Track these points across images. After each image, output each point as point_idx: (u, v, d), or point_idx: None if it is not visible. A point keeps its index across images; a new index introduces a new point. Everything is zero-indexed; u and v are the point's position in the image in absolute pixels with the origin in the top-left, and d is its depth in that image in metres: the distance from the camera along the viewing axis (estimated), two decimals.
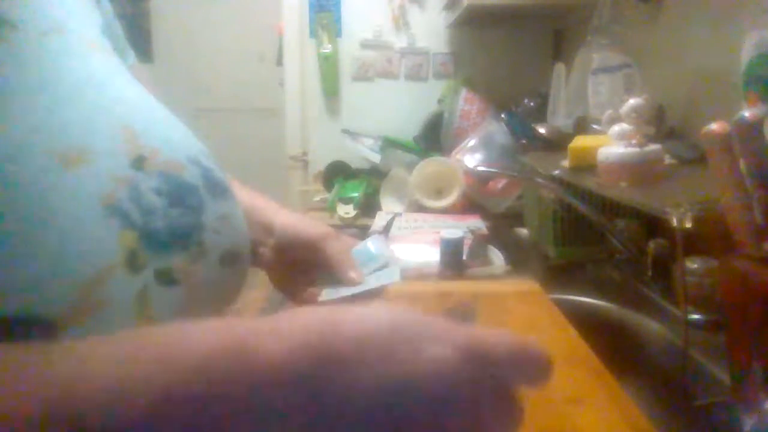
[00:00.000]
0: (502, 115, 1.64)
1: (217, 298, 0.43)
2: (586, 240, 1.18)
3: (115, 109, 0.38)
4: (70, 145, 0.33)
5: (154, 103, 0.44)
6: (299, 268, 0.58)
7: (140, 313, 0.34)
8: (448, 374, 0.24)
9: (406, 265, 1.05)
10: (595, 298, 0.99)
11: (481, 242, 1.15)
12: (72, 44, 0.38)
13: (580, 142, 1.05)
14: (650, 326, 0.89)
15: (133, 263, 0.34)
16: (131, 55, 0.54)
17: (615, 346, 0.79)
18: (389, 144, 1.86)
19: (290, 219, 0.58)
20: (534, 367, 0.28)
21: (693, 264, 0.82)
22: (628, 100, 0.86)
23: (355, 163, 1.90)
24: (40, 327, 0.29)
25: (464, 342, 0.26)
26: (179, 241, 0.38)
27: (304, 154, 2.14)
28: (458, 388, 0.25)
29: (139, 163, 0.37)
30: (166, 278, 0.36)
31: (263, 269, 0.59)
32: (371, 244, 0.58)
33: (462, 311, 0.63)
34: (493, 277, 1.04)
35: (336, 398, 0.23)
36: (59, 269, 0.30)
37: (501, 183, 1.55)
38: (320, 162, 1.98)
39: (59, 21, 0.38)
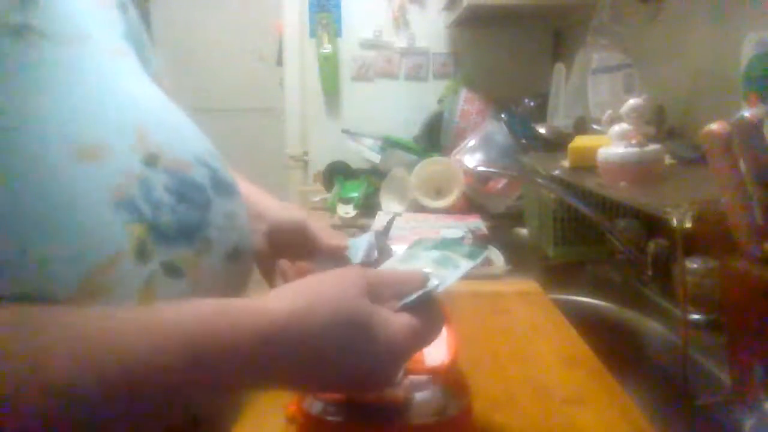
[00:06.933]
0: (502, 115, 1.64)
1: (222, 292, 0.45)
2: (586, 240, 1.18)
3: (130, 110, 0.41)
4: (87, 142, 0.36)
5: (168, 105, 0.47)
6: (286, 252, 0.61)
7: (145, 301, 0.37)
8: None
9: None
10: (595, 298, 0.99)
11: (481, 242, 1.14)
12: (94, 50, 0.41)
13: (580, 142, 1.04)
14: (650, 326, 0.89)
15: (141, 253, 0.37)
16: (154, 59, 0.57)
17: (615, 346, 0.79)
18: (389, 144, 1.86)
19: (278, 206, 0.63)
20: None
21: (693, 264, 0.81)
22: (628, 100, 0.86)
23: (355, 163, 1.90)
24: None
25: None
26: (186, 235, 0.41)
27: (304, 154, 2.14)
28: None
29: (151, 161, 0.40)
30: (172, 269, 0.39)
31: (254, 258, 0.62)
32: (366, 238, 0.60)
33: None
34: (493, 277, 1.04)
35: (313, 343, 0.34)
36: (69, 254, 0.33)
37: (501, 183, 1.54)
38: (320, 162, 1.98)
39: (84, 29, 0.41)
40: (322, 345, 0.34)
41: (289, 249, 0.61)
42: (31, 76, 0.35)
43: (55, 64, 0.37)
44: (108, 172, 0.37)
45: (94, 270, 0.34)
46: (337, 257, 0.59)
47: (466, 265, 0.45)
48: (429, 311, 0.41)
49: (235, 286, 0.49)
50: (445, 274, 0.44)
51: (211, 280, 0.43)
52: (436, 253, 0.48)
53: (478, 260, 0.46)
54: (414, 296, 0.40)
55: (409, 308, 0.40)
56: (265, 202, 0.63)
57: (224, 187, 0.46)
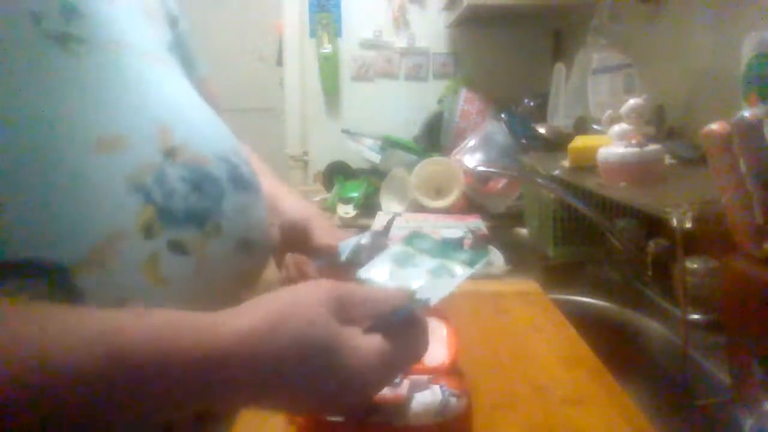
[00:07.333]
0: (502, 115, 1.64)
1: (232, 278, 0.48)
2: (586, 240, 1.18)
3: (156, 108, 0.45)
4: (109, 134, 0.40)
5: (200, 106, 0.52)
6: (294, 247, 0.64)
7: (150, 273, 0.40)
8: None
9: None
10: (595, 298, 0.99)
11: (481, 242, 1.14)
12: (130, 55, 0.46)
13: (580, 142, 1.05)
14: (650, 326, 0.89)
15: (147, 231, 0.40)
16: (201, 68, 0.64)
17: (615, 346, 0.79)
18: (389, 144, 1.86)
19: (293, 202, 0.67)
20: None
21: (693, 264, 0.82)
22: (628, 100, 0.86)
23: (355, 163, 1.90)
24: (57, 271, 0.36)
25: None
26: (195, 220, 0.44)
27: (304, 154, 2.14)
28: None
29: (169, 154, 0.44)
30: (177, 248, 0.42)
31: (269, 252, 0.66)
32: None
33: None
34: (493, 277, 1.04)
35: (273, 364, 0.33)
36: (79, 226, 0.37)
37: (501, 183, 1.55)
38: (320, 162, 1.99)
39: (123, 37, 0.46)
40: (280, 367, 0.33)
41: (296, 244, 0.64)
42: (67, 76, 0.40)
43: (90, 66, 0.42)
44: (124, 162, 0.41)
45: (101, 242, 0.38)
46: (328, 255, 0.61)
47: (462, 273, 0.44)
48: (408, 333, 0.39)
49: (246, 275, 0.51)
50: (438, 285, 0.42)
51: (218, 265, 0.46)
52: (432, 263, 0.46)
53: (476, 267, 0.44)
54: (387, 316, 0.37)
55: (384, 330, 0.37)
56: (284, 198, 0.67)
57: (242, 183, 0.50)
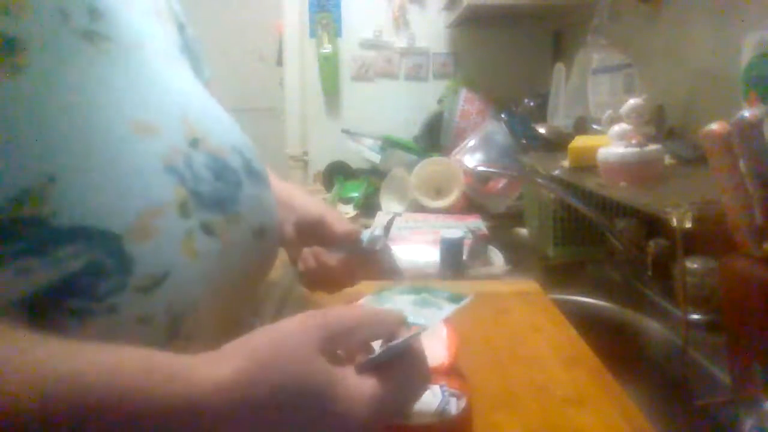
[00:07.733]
0: (502, 115, 1.64)
1: (250, 264, 0.52)
2: (586, 240, 1.18)
3: (178, 101, 0.48)
4: (142, 121, 0.44)
5: (213, 103, 0.56)
6: (310, 240, 0.68)
7: (187, 247, 0.43)
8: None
9: (406, 266, 1.05)
10: (595, 298, 0.99)
11: (481, 242, 1.15)
12: (150, 54, 0.49)
13: (580, 142, 1.05)
14: (650, 326, 0.89)
15: (183, 210, 0.43)
16: (207, 71, 0.68)
17: (615, 346, 0.79)
18: (389, 144, 1.86)
19: (307, 200, 0.71)
20: None
21: (693, 264, 0.82)
22: (628, 100, 0.86)
23: (355, 163, 1.91)
24: (108, 237, 0.38)
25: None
26: (219, 206, 0.47)
27: (304, 154, 2.14)
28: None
29: (194, 143, 0.47)
30: (208, 229, 0.45)
31: (285, 246, 0.69)
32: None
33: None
34: (493, 277, 1.04)
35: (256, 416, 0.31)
36: (123, 199, 0.40)
37: (501, 183, 1.55)
38: (320, 162, 1.99)
39: (142, 37, 0.49)
40: (267, 418, 0.31)
41: (312, 238, 0.67)
42: (97, 70, 0.43)
43: (116, 61, 0.45)
44: (159, 145, 0.43)
45: (146, 214, 0.40)
46: (348, 243, 0.66)
47: (449, 307, 0.42)
48: (404, 371, 0.36)
49: (261, 262, 0.55)
50: (427, 314, 0.40)
51: (239, 250, 0.49)
52: (413, 297, 0.45)
53: (462, 303, 0.43)
54: (381, 352, 0.35)
55: (378, 365, 0.35)
56: (295, 196, 0.71)
57: (255, 175, 0.53)
